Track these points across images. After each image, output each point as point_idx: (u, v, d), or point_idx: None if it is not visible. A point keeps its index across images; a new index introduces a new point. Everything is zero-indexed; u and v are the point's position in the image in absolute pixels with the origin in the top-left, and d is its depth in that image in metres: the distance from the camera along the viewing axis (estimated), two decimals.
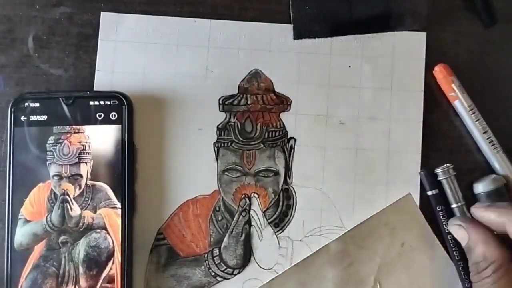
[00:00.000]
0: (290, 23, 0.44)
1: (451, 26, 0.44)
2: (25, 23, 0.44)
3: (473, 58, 0.44)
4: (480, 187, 0.41)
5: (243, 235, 0.41)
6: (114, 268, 0.39)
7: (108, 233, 0.39)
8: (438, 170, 0.41)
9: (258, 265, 0.41)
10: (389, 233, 0.41)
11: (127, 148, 0.40)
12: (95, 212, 0.40)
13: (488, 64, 0.44)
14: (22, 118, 0.40)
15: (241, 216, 0.42)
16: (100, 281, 0.39)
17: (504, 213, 0.37)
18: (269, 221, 0.42)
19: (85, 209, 0.40)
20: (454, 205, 0.41)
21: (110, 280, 0.39)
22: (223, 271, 0.41)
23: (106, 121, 0.40)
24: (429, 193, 0.41)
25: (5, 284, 0.39)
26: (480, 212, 0.39)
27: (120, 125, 0.40)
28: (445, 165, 0.41)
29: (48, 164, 0.40)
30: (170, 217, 0.42)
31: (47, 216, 0.40)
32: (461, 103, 0.42)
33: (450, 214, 0.41)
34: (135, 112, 0.42)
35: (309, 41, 0.43)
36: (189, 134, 0.42)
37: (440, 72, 0.43)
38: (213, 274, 0.41)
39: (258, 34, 0.43)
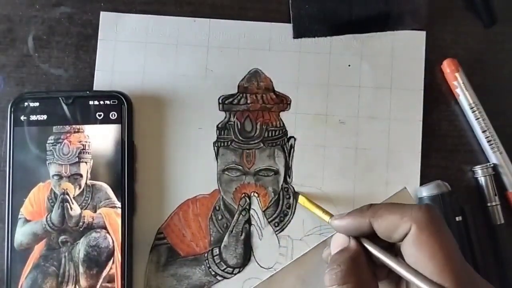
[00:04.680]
0: (290, 23, 0.44)
1: (451, 25, 0.44)
2: (25, 23, 0.44)
3: (473, 58, 0.44)
4: (423, 191, 0.41)
5: (243, 234, 0.41)
6: (114, 267, 0.39)
7: (108, 232, 0.39)
8: (477, 168, 0.42)
9: (258, 264, 0.41)
10: None
11: (127, 148, 0.40)
12: (95, 211, 0.40)
13: (488, 64, 0.44)
14: (22, 118, 0.40)
15: (241, 215, 0.42)
16: (100, 280, 0.39)
17: (362, 213, 0.33)
18: (269, 220, 0.42)
19: (85, 209, 0.40)
20: (489, 204, 0.41)
21: (110, 279, 0.39)
22: (223, 270, 0.41)
23: (106, 120, 0.40)
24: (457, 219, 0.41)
25: (5, 284, 0.39)
26: (337, 221, 0.34)
27: (120, 125, 0.40)
28: (485, 164, 0.42)
29: (48, 163, 0.40)
30: (170, 216, 0.42)
31: (47, 216, 0.40)
32: (464, 100, 0.42)
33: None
34: (135, 112, 0.42)
35: (308, 40, 0.43)
36: (189, 134, 0.42)
37: (447, 66, 0.43)
38: (213, 273, 0.41)
39: (257, 33, 0.43)
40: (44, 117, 0.40)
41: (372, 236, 0.33)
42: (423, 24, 0.44)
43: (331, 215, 0.37)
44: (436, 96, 0.43)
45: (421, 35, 0.43)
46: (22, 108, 0.40)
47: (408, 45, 0.43)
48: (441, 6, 0.44)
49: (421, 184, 0.42)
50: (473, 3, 0.44)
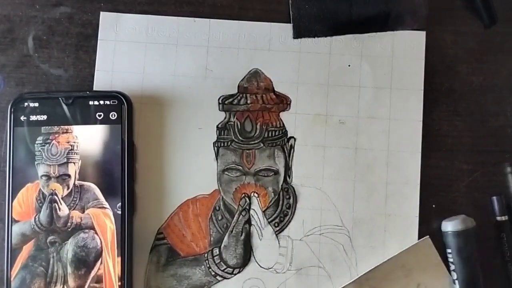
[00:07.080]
0: (290, 23, 0.44)
1: (451, 26, 0.44)
2: (25, 23, 0.44)
3: (473, 58, 0.44)
4: (448, 226, 0.40)
5: (243, 234, 0.41)
6: (102, 268, 0.39)
7: (96, 233, 0.39)
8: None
9: (258, 264, 0.41)
10: (405, 275, 0.40)
11: (127, 148, 0.40)
12: (83, 212, 0.40)
13: (488, 64, 0.44)
14: (22, 118, 0.40)
15: (241, 216, 0.42)
16: (88, 281, 0.39)
17: None
18: (269, 220, 0.42)
19: (73, 209, 0.40)
20: None
21: (99, 280, 0.39)
22: (223, 271, 0.41)
23: (106, 121, 0.40)
24: (499, 218, 0.41)
25: (5, 285, 0.39)
26: None
27: (120, 125, 0.40)
28: None
29: (37, 164, 0.40)
30: (170, 216, 0.41)
31: (35, 216, 0.39)
32: None
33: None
34: (135, 112, 0.42)
35: (308, 40, 0.43)
36: (189, 134, 0.42)
37: None
38: (213, 273, 0.41)
39: (257, 33, 0.43)
40: (44, 117, 0.40)
41: None
42: (423, 24, 0.44)
43: None
44: (436, 96, 0.43)
45: (421, 35, 0.43)
46: (22, 108, 0.40)
47: (408, 45, 0.43)
48: (441, 6, 0.44)
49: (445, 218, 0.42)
50: (473, 3, 0.44)
